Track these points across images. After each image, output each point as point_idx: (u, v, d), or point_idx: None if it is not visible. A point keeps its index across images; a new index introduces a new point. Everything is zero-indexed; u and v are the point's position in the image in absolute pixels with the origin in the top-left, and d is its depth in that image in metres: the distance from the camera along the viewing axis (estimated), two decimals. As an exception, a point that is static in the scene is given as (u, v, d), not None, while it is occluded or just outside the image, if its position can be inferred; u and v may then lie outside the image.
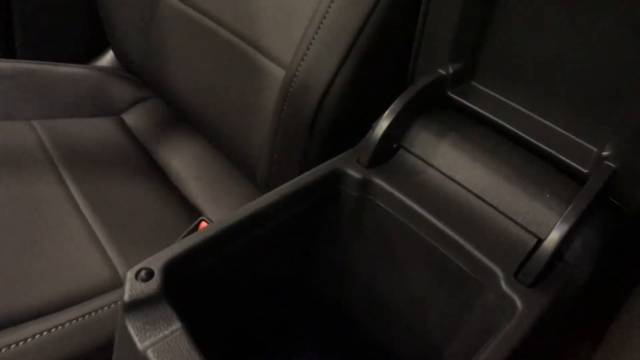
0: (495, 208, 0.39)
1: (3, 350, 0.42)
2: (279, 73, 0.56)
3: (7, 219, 0.58)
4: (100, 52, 0.94)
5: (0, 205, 0.59)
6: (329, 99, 0.49)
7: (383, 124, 0.43)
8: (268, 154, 0.58)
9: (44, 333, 0.44)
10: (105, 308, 0.48)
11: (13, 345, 0.42)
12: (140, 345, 0.31)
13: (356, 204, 0.44)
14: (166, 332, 0.31)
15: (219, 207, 0.69)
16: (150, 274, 0.33)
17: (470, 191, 0.40)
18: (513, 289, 0.35)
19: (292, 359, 0.52)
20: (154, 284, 0.33)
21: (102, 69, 0.87)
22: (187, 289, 0.36)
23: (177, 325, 0.32)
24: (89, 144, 0.74)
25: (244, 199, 0.70)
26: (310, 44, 0.50)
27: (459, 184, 0.41)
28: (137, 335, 0.31)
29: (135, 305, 0.32)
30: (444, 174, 0.42)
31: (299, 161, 0.54)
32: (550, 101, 0.41)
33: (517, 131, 0.41)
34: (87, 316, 0.47)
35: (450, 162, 0.42)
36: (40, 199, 0.62)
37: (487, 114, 0.43)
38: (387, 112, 0.43)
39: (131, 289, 0.32)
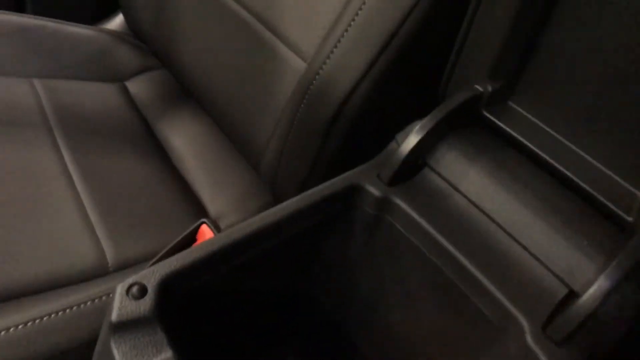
0: (525, 248, 0.36)
1: None
2: (299, 65, 0.52)
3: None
4: (110, 14, 0.89)
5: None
6: (351, 102, 0.45)
7: (412, 141, 0.39)
8: (277, 148, 0.55)
9: (20, 327, 0.41)
10: (89, 303, 0.45)
11: None
12: (125, 375, 0.28)
13: (372, 223, 0.40)
14: (155, 360, 0.28)
15: (219, 195, 0.66)
16: (143, 291, 0.30)
17: (499, 225, 0.37)
18: (540, 345, 0.32)
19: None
20: (146, 303, 0.30)
21: (110, 33, 0.82)
22: (182, 306, 0.32)
23: (167, 354, 0.29)
24: (89, 110, 0.70)
25: (246, 189, 0.67)
26: (339, 41, 0.45)
27: (487, 215, 0.37)
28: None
29: (123, 326, 0.29)
30: (471, 202, 0.38)
31: (311, 161, 0.50)
32: (593, 134, 0.37)
33: (554, 163, 0.37)
34: (67, 310, 0.44)
35: (480, 190, 0.38)
36: (32, 165, 0.58)
37: (522, 140, 0.39)
38: (417, 127, 0.39)
39: (120, 306, 0.29)
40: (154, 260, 0.43)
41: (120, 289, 0.30)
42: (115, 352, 0.28)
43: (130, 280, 0.30)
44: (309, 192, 0.38)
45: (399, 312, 0.41)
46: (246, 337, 0.42)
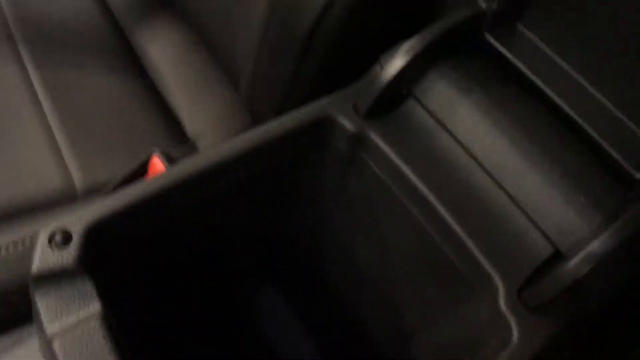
0: (513, 199, 0.31)
1: None
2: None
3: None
4: None
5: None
6: (330, 15, 0.38)
7: (396, 64, 0.33)
8: (252, 64, 0.49)
9: None
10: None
11: None
12: (48, 329, 0.25)
13: (345, 161, 0.36)
14: (81, 315, 0.25)
15: (198, 114, 0.61)
16: (67, 238, 0.26)
17: (486, 171, 0.32)
18: (512, 310, 0.28)
19: (252, 299, 0.47)
20: (71, 252, 0.26)
21: None
22: (115, 255, 0.29)
23: (95, 307, 0.26)
24: (57, 19, 0.63)
25: (227, 109, 0.62)
26: None
27: (475, 158, 0.33)
28: (45, 315, 0.25)
29: (47, 278, 0.26)
30: (458, 142, 0.33)
31: (287, 83, 0.45)
32: (615, 73, 0.31)
33: (562, 103, 0.32)
34: (21, 244, 0.41)
35: (470, 128, 0.33)
36: (-6, 80, 0.54)
37: (528, 72, 0.33)
38: (403, 49, 0.33)
39: (42, 256, 0.26)
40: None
41: (42, 236, 0.26)
42: (38, 304, 0.26)
43: (53, 226, 0.27)
44: (274, 122, 0.34)
45: (371, 255, 0.38)
46: (207, 276, 0.40)
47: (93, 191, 0.50)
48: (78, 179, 0.50)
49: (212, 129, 0.59)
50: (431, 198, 0.32)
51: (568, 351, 0.34)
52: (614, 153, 0.30)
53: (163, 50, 0.65)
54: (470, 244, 0.30)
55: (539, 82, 0.32)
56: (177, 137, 0.58)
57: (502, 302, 0.29)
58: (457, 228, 0.31)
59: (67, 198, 0.48)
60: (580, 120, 0.31)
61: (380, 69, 0.34)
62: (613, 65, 0.31)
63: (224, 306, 0.44)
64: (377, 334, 0.41)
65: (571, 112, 0.31)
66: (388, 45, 0.36)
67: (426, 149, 0.34)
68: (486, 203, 0.32)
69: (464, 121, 0.33)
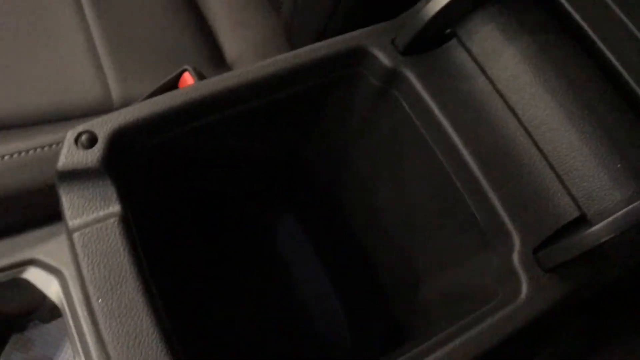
0: (546, 157, 0.30)
1: None
2: None
3: (4, 13, 0.50)
4: None
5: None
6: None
7: (439, 1, 0.31)
8: (290, 3, 0.47)
9: (7, 157, 0.41)
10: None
11: None
12: (70, 223, 0.26)
13: (376, 96, 0.35)
14: (101, 214, 0.26)
15: (237, 35, 0.60)
16: (93, 140, 0.27)
17: (521, 123, 0.31)
18: (525, 267, 0.28)
19: (267, 223, 0.48)
20: (95, 153, 0.27)
21: None
22: (139, 163, 0.30)
23: (115, 207, 0.27)
24: None
25: (268, 35, 0.60)
26: None
27: (511, 109, 0.31)
28: (68, 209, 0.27)
29: (72, 175, 0.27)
30: (497, 91, 0.32)
31: (327, 10, 0.43)
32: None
33: (615, 61, 0.29)
34: (55, 145, 0.42)
35: (511, 77, 0.31)
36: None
37: (582, 21, 0.30)
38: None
39: (68, 154, 0.27)
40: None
41: (69, 135, 0.27)
42: (62, 199, 0.27)
43: (80, 127, 0.27)
44: (308, 49, 0.33)
45: (391, 193, 0.38)
46: (227, 200, 0.41)
47: (129, 104, 0.51)
48: (115, 91, 0.50)
49: (250, 56, 0.59)
50: (459, 144, 0.31)
51: (579, 318, 0.34)
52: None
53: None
54: (492, 195, 0.30)
55: (595, 36, 0.30)
56: (215, 61, 0.58)
57: (515, 258, 0.28)
58: (481, 178, 0.30)
59: (103, 108, 0.49)
60: (630, 79, 0.29)
61: (424, 4, 0.33)
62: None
63: (244, 229, 0.46)
64: (389, 275, 0.41)
65: (626, 72, 0.29)
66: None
67: (462, 94, 0.32)
68: (516, 157, 0.30)
69: (506, 69, 0.31)
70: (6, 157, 0.40)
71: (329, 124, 0.37)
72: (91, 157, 0.27)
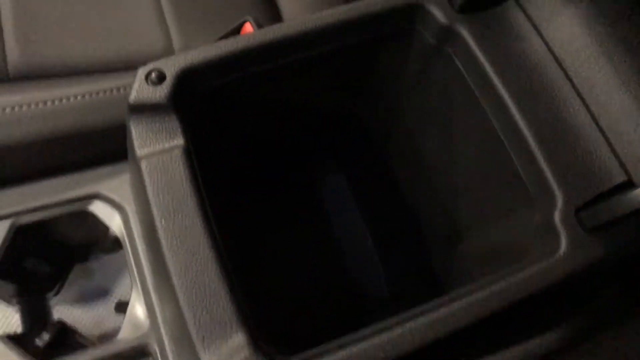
0: (595, 119, 0.30)
1: (40, 105, 0.42)
2: None
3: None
4: None
5: None
6: None
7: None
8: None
9: (79, 97, 0.44)
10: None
11: (49, 103, 0.42)
12: (138, 152, 0.29)
13: (430, 53, 0.35)
14: (166, 145, 0.29)
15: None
16: (161, 78, 0.29)
17: (574, 86, 0.31)
18: (566, 225, 0.28)
19: (316, 181, 0.50)
20: (164, 90, 0.29)
21: None
22: (204, 102, 0.32)
23: (179, 141, 0.29)
24: None
25: None
26: None
27: (564, 71, 0.31)
28: (137, 140, 0.29)
29: (141, 109, 0.29)
30: (550, 51, 0.32)
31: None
32: None
33: None
34: (121, 89, 0.45)
35: (567, 39, 0.31)
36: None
37: None
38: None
39: (139, 89, 0.29)
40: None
41: (140, 72, 0.29)
42: (132, 131, 0.29)
43: (150, 65, 0.29)
44: (364, 2, 0.33)
45: (438, 148, 0.39)
46: (281, 150, 0.43)
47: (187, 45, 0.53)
48: (177, 42, 0.53)
49: (307, 10, 0.60)
50: (510, 103, 0.31)
51: (615, 284, 0.34)
52: None
53: None
54: (539, 153, 0.30)
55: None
56: (272, 17, 0.59)
57: (557, 216, 0.29)
58: (529, 136, 0.31)
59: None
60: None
61: (486, -40, 0.33)
62: None
63: (292, 181, 0.48)
64: (429, 229, 0.43)
65: None
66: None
67: (516, 54, 0.32)
68: (566, 117, 0.31)
69: (562, 31, 0.31)
70: (78, 97, 0.44)
71: (382, 78, 0.38)
72: (159, 92, 0.29)
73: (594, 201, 0.29)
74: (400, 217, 0.45)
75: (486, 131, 0.33)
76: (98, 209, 0.44)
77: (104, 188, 0.43)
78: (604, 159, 0.30)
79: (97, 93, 0.44)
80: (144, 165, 0.28)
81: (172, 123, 0.29)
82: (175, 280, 0.26)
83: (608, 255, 0.28)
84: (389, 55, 0.36)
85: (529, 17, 0.33)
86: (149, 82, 0.29)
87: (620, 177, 0.29)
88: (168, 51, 0.52)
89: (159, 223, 0.27)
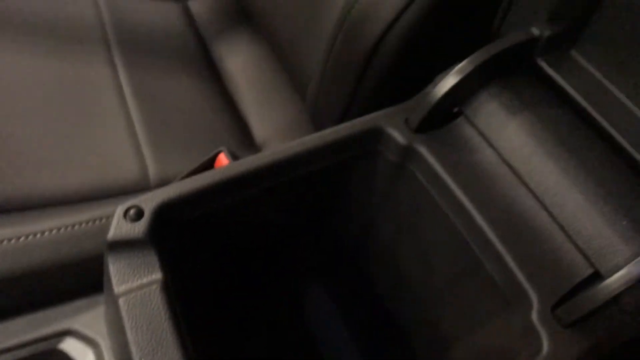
0: (554, 219, 0.32)
1: (12, 241, 0.42)
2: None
3: (51, 96, 0.57)
4: None
5: (46, 78, 0.58)
6: (391, 35, 0.41)
7: (446, 84, 0.35)
8: (318, 78, 0.52)
9: (55, 230, 0.44)
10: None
11: (22, 238, 0.43)
12: (115, 289, 0.29)
13: (394, 171, 0.38)
14: (144, 281, 0.29)
15: (266, 121, 0.65)
16: (140, 214, 0.30)
17: (529, 189, 0.33)
18: (544, 325, 0.29)
19: (298, 292, 0.50)
20: (141, 226, 0.30)
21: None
22: (181, 234, 0.33)
23: (157, 275, 0.29)
24: (149, 29, 0.70)
25: (293, 118, 0.66)
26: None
27: (519, 177, 0.34)
28: (115, 277, 0.29)
29: (119, 245, 0.30)
30: (503, 160, 0.35)
31: (348, 97, 0.47)
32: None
33: (610, 128, 0.32)
34: (98, 221, 0.46)
35: (515, 147, 0.34)
36: (87, 81, 0.60)
37: (578, 97, 0.34)
38: (456, 69, 0.35)
39: (117, 227, 0.30)
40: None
41: (119, 210, 0.30)
42: (110, 268, 0.30)
43: (128, 203, 0.31)
44: (330, 130, 0.36)
45: (414, 261, 0.40)
46: (260, 269, 0.43)
47: (164, 183, 0.55)
48: (152, 171, 0.55)
49: (278, 137, 0.63)
50: (473, 211, 0.33)
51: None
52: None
53: (239, 61, 0.71)
54: (508, 258, 0.31)
55: (587, 106, 0.33)
56: (245, 142, 0.63)
57: (535, 317, 0.29)
58: (496, 241, 0.32)
59: (140, 187, 0.53)
60: (627, 145, 0.31)
61: (433, 87, 0.37)
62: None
63: (273, 298, 0.47)
64: (416, 339, 0.42)
65: (618, 136, 0.32)
66: (445, 68, 0.38)
67: (471, 165, 0.35)
68: (527, 220, 0.32)
69: (511, 141, 0.34)
70: (53, 232, 0.44)
71: (353, 197, 0.40)
72: (138, 229, 0.30)
73: (567, 297, 0.30)
74: (385, 328, 0.45)
75: (456, 239, 0.35)
76: (70, 346, 0.42)
77: (76, 323, 0.42)
78: (569, 255, 0.31)
79: (73, 226, 0.44)
80: (122, 302, 0.28)
81: (151, 257, 0.30)
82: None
83: (590, 350, 0.28)
84: (359, 174, 0.39)
85: (479, 131, 0.36)
86: (128, 219, 0.30)
87: (587, 271, 0.30)
88: (144, 180, 0.54)
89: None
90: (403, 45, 0.41)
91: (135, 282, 0.29)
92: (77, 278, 0.44)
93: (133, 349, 0.27)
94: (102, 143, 0.55)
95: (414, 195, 0.38)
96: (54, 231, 0.44)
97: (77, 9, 0.67)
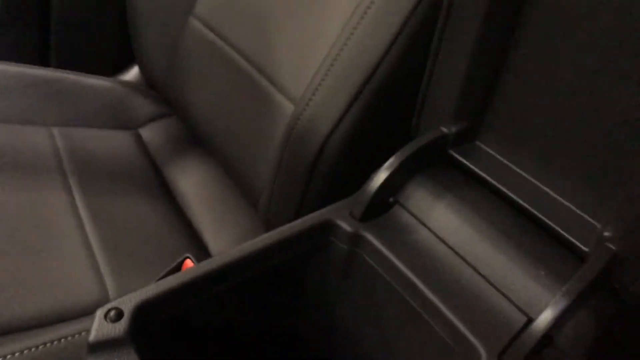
0: (487, 280, 0.37)
1: None
2: (287, 108, 0.56)
3: (8, 224, 0.59)
4: (126, 66, 0.97)
5: (4, 209, 0.60)
6: (332, 141, 0.48)
7: (379, 178, 0.42)
8: (269, 188, 0.58)
9: (16, 354, 0.44)
10: (83, 334, 0.48)
11: None
12: (98, 391, 0.30)
13: (345, 258, 0.43)
14: (127, 379, 0.31)
15: (220, 234, 0.69)
16: (119, 315, 0.33)
17: (462, 258, 0.39)
18: (493, 372, 0.33)
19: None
20: (122, 326, 0.32)
21: (126, 83, 0.88)
22: (159, 332, 0.35)
23: (139, 374, 0.31)
24: (102, 156, 0.75)
25: (247, 228, 0.70)
26: (323, 80, 0.49)
27: (452, 249, 0.39)
28: (97, 379, 0.31)
29: (100, 347, 0.32)
30: (437, 237, 0.40)
31: (298, 200, 0.53)
32: (555, 170, 0.39)
33: (517, 198, 0.39)
34: (62, 340, 0.46)
35: (445, 225, 0.41)
36: (45, 208, 0.63)
37: (488, 178, 0.41)
38: (384, 166, 0.42)
39: (98, 328, 0.32)
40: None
41: (100, 312, 0.33)
42: (91, 371, 0.31)
43: (109, 305, 0.33)
44: (285, 227, 0.41)
45: (375, 339, 0.43)
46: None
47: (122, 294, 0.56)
48: (112, 289, 0.56)
49: (234, 247, 0.67)
50: (419, 284, 0.38)
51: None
52: (566, 234, 0.37)
53: (190, 181, 0.76)
54: (455, 320, 0.36)
55: (496, 184, 0.40)
56: (201, 256, 0.66)
57: (484, 366, 0.33)
58: (442, 308, 0.37)
59: (101, 305, 0.54)
60: (534, 211, 0.38)
61: (369, 182, 0.43)
62: (555, 167, 0.39)
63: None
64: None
65: (527, 205, 0.39)
66: (378, 165, 0.45)
67: (411, 243, 0.41)
68: (465, 284, 0.38)
69: (439, 219, 0.41)
70: (15, 354, 0.44)
71: (311, 287, 0.44)
72: (118, 328, 0.32)
73: (510, 344, 0.34)
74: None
75: (408, 311, 0.39)
76: None
77: None
78: (506, 309, 0.36)
79: (37, 347, 0.45)
80: (106, 401, 0.29)
81: (131, 356, 0.32)
82: None
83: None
84: (316, 264, 0.43)
85: (413, 215, 0.42)
86: (108, 320, 0.32)
87: (522, 319, 0.35)
88: (104, 300, 0.55)
89: None
90: (342, 149, 0.48)
91: (118, 380, 0.31)
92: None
93: None
94: (60, 267, 0.57)
95: (365, 276, 0.42)
96: (17, 354, 0.44)
97: (33, 143, 0.72)
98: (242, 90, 0.65)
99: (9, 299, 0.52)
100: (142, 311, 0.33)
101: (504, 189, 0.40)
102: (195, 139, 0.83)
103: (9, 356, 0.43)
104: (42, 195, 0.64)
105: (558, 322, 0.32)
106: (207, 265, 0.37)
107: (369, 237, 0.41)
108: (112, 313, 0.33)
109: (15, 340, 0.47)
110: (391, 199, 0.44)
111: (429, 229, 0.41)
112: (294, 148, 0.51)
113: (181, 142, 0.83)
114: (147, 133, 0.84)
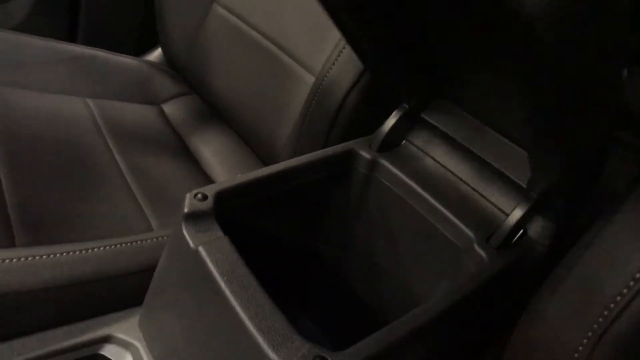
0: (476, 190, 0.49)
1: (64, 254, 0.51)
2: (309, 79, 0.67)
3: (63, 170, 0.67)
4: (150, 48, 1.06)
5: (58, 160, 0.69)
6: (350, 97, 0.60)
7: (388, 124, 0.53)
8: (292, 145, 0.69)
9: (95, 249, 0.53)
10: (139, 242, 0.57)
11: (71, 253, 0.51)
12: (192, 245, 0.40)
13: (364, 182, 0.54)
14: (213, 238, 0.41)
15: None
16: (205, 197, 0.43)
17: (456, 176, 0.51)
18: (483, 249, 0.44)
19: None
20: (207, 204, 0.43)
21: (150, 63, 0.98)
22: (229, 218, 0.45)
23: (221, 234, 0.41)
24: (132, 125, 0.85)
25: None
26: (340, 53, 0.61)
27: (448, 170, 0.51)
28: (190, 238, 0.41)
29: (191, 217, 0.42)
30: (438, 162, 0.52)
31: (322, 145, 0.64)
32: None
33: (468, 145, 0.51)
34: (124, 244, 0.56)
35: (443, 154, 0.52)
36: (92, 161, 0.72)
37: (448, 131, 0.53)
38: (391, 116, 0.54)
39: (189, 204, 0.42)
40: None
41: (189, 195, 0.43)
42: (186, 232, 0.41)
43: (195, 190, 0.43)
44: (316, 152, 0.52)
45: (384, 249, 0.54)
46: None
47: (164, 228, 0.66)
48: (155, 225, 0.66)
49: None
50: (425, 194, 0.49)
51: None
52: (507, 172, 0.48)
53: (212, 148, 0.86)
54: (453, 217, 0.47)
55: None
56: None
57: (476, 246, 0.45)
58: (443, 209, 0.48)
59: (146, 233, 0.64)
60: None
61: (385, 123, 0.55)
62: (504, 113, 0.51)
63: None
64: (393, 310, 0.54)
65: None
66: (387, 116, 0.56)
67: (418, 168, 0.52)
68: (459, 194, 0.49)
69: (439, 150, 0.53)
70: (95, 249, 0.53)
71: (336, 207, 0.55)
72: (204, 206, 0.42)
73: (493, 233, 0.46)
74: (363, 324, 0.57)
75: (416, 219, 0.50)
76: (110, 351, 0.49)
77: (115, 330, 0.50)
78: (489, 209, 0.48)
79: (115, 245, 0.54)
80: (202, 250, 0.40)
81: (214, 225, 0.42)
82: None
83: (512, 261, 0.44)
84: (339, 186, 0.54)
85: (419, 148, 0.54)
86: (196, 200, 0.42)
87: (502, 216, 0.47)
88: (148, 228, 0.64)
89: (222, 281, 0.37)
90: (359, 103, 0.60)
91: (207, 239, 0.41)
92: (115, 292, 0.52)
93: (217, 276, 0.38)
94: (112, 207, 0.66)
95: (381, 196, 0.53)
96: (96, 249, 0.53)
97: (74, 110, 0.81)
98: (264, 66, 0.76)
99: (63, 231, 0.61)
100: (221, 197, 0.44)
101: (458, 137, 0.51)
102: (213, 115, 0.93)
103: (90, 249, 0.52)
104: (88, 150, 0.73)
105: (526, 216, 0.44)
106: (259, 172, 0.48)
107: (385, 163, 0.52)
108: (199, 195, 0.43)
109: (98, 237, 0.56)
110: (401, 138, 0.55)
111: (431, 157, 0.53)
112: (317, 105, 0.63)
113: (201, 117, 0.93)
114: (169, 109, 0.93)
